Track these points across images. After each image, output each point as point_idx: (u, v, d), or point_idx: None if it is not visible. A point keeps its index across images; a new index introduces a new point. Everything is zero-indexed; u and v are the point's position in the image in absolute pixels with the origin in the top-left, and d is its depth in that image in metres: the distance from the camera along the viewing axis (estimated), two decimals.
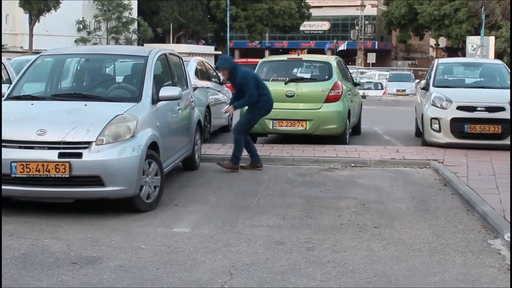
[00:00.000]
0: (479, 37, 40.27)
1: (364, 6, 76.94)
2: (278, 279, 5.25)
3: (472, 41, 39.91)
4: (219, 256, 5.78)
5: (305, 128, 12.33)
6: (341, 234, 6.56)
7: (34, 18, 46.57)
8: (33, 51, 42.45)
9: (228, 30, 63.91)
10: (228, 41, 65.06)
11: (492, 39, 39.50)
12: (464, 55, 46.94)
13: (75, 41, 56.30)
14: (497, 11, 23.53)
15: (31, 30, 46.88)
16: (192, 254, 5.85)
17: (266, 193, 8.46)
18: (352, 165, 10.58)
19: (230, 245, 6.12)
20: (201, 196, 8.20)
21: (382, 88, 37.76)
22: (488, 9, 27.11)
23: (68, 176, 6.75)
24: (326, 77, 12.70)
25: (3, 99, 7.86)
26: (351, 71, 18.27)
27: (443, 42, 66.73)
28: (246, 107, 10.32)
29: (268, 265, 5.58)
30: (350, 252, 5.98)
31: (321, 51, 65.60)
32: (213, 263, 5.59)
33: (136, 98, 7.84)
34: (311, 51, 72.78)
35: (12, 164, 6.77)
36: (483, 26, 39.42)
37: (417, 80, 36.81)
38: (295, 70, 13.84)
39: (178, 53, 10.46)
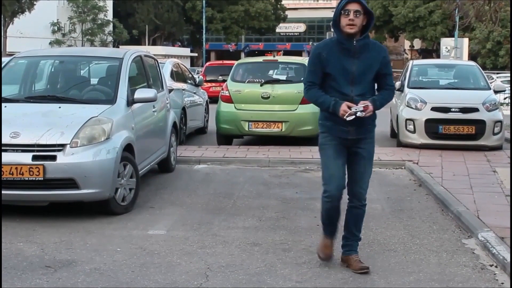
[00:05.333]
0: (453, 39, 40.72)
1: None
2: (254, 280, 5.25)
3: (446, 43, 40.36)
4: (194, 258, 5.77)
5: (281, 130, 12.35)
6: (317, 235, 6.56)
7: (8, 19, 46.21)
8: (7, 53, 42.14)
9: (204, 32, 63.88)
10: (204, 43, 65.03)
11: (466, 40, 39.92)
12: (438, 56, 47.40)
13: (50, 43, 56.05)
14: (471, 13, 23.69)
15: (4, 32, 46.50)
16: (168, 256, 5.83)
17: (242, 195, 8.45)
18: None
19: (206, 247, 6.11)
20: (176, 198, 8.18)
21: None
22: (462, 11, 27.26)
23: (42, 179, 6.69)
24: (302, 78, 12.70)
25: None
26: None
27: (417, 43, 67.29)
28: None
29: (244, 266, 5.57)
30: None
31: (298, 53, 65.72)
32: (189, 265, 5.58)
33: (111, 100, 7.80)
34: (287, 52, 73.02)
35: None
36: (457, 28, 39.78)
37: None
38: (270, 71, 13.86)
39: (154, 55, 10.43)
